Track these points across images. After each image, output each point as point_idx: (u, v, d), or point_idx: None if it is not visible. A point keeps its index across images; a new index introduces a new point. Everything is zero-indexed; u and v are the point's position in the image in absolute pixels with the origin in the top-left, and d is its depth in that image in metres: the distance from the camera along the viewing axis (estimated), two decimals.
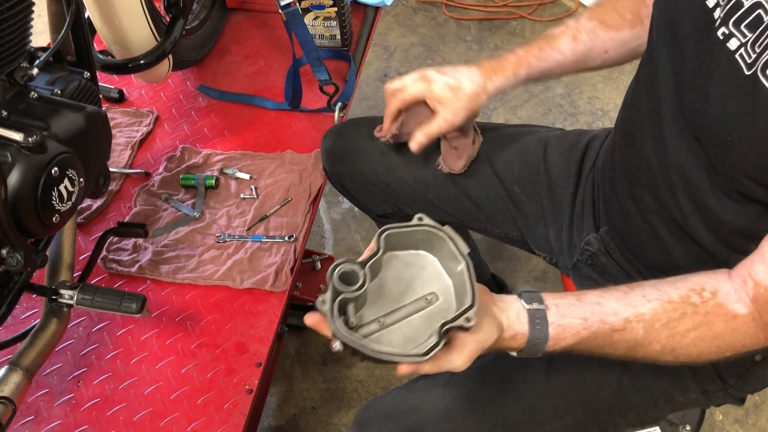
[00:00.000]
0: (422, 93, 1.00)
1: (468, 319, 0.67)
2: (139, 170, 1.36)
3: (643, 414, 0.96)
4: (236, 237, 1.25)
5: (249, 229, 1.26)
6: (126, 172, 1.36)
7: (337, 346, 0.68)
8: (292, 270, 1.20)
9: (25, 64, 0.89)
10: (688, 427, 1.47)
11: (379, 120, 1.26)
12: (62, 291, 0.98)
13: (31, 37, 0.90)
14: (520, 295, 0.77)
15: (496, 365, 0.98)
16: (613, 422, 0.96)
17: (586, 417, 0.95)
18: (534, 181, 1.15)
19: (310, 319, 0.71)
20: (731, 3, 0.72)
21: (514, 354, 0.79)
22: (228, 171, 1.35)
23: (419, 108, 1.04)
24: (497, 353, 0.97)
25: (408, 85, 1.01)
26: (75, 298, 0.97)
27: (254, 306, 1.17)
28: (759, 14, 0.69)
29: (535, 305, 0.76)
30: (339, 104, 1.42)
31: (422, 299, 0.73)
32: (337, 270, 0.68)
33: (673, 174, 0.85)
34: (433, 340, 0.67)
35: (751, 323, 0.75)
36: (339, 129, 1.27)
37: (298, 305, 1.74)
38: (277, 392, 1.65)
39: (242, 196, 1.31)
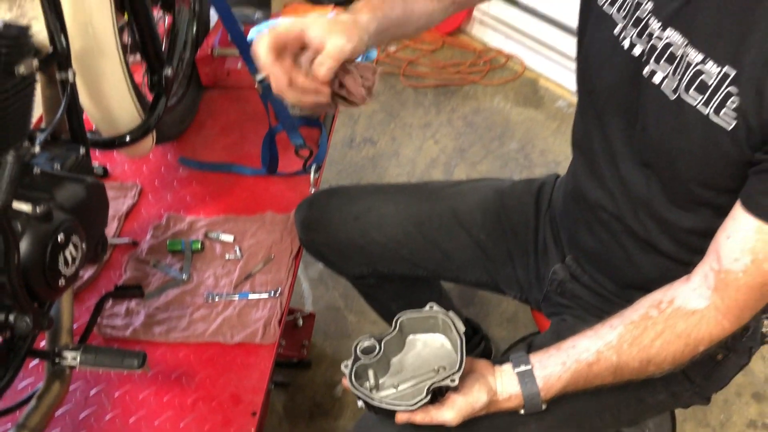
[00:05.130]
0: (299, 30, 0.88)
1: (452, 380, 0.85)
2: (126, 239, 1.42)
3: (617, 414, 1.04)
4: (224, 296, 1.31)
5: (236, 287, 1.33)
6: (114, 243, 1.42)
7: (360, 404, 0.90)
8: (279, 322, 1.26)
9: (26, 144, 0.97)
10: None
11: (351, 189, 1.36)
12: (65, 353, 1.03)
13: (32, 118, 0.99)
14: (510, 361, 0.93)
15: None
16: (589, 423, 1.03)
17: (564, 418, 1.02)
18: (497, 226, 1.26)
19: (345, 381, 0.90)
20: (649, 47, 0.86)
21: (522, 411, 0.94)
22: (212, 235, 1.42)
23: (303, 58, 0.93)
24: None
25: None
26: (78, 358, 1.02)
27: (246, 359, 1.22)
28: (671, 51, 0.83)
29: (522, 367, 0.91)
30: (314, 166, 1.53)
31: (432, 371, 0.91)
32: (359, 344, 0.91)
33: (633, 199, 0.97)
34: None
35: (713, 312, 0.83)
36: (311, 200, 1.37)
37: (282, 363, 1.79)
38: None
39: (227, 257, 1.38)
